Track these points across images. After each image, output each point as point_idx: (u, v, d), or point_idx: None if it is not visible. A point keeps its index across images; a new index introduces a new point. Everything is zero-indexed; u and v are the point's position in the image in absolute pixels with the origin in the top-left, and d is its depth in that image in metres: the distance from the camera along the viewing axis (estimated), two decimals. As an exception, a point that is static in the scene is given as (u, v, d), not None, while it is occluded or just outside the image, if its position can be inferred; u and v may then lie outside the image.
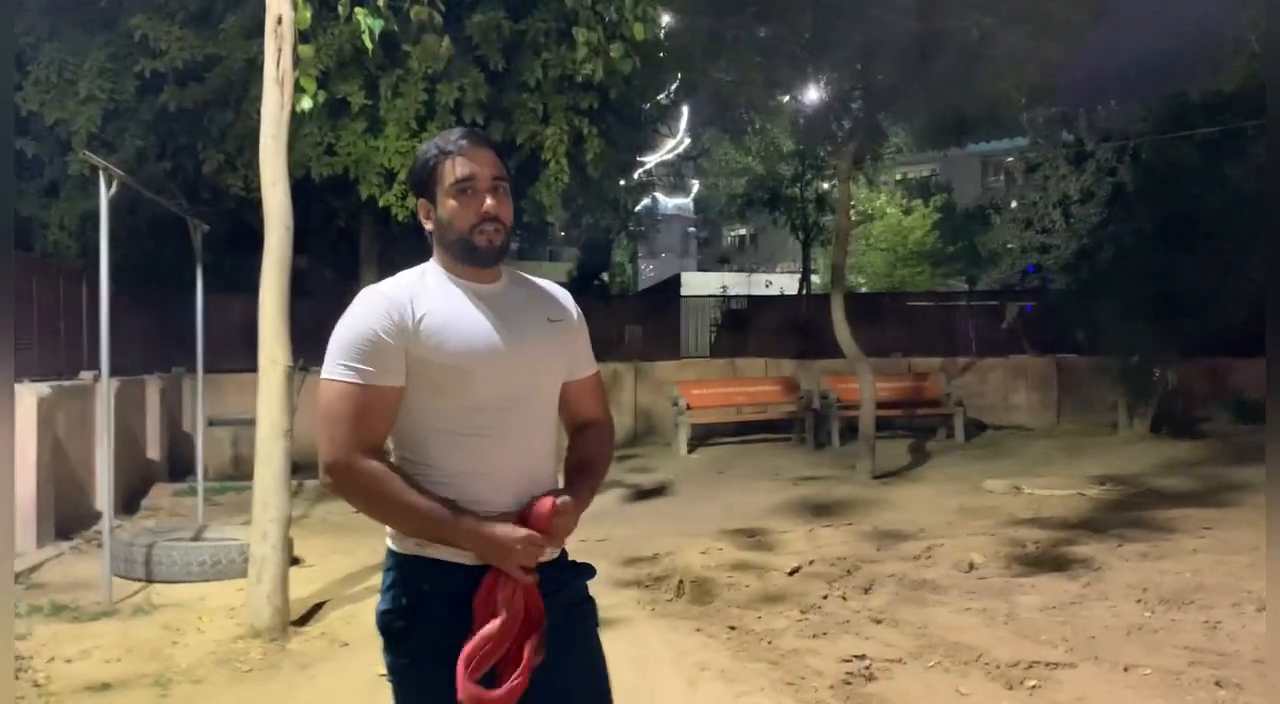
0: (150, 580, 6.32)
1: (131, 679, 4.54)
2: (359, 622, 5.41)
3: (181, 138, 11.30)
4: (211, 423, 9.62)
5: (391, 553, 1.87)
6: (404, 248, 14.76)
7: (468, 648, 1.73)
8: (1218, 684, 4.06)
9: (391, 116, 10.56)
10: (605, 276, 19.23)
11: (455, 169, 1.86)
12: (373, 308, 1.82)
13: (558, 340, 1.97)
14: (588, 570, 1.98)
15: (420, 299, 1.84)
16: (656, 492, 10.12)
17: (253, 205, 11.66)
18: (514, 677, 1.74)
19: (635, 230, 25.23)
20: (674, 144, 20.90)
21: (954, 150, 15.75)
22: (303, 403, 7.10)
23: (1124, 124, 14.78)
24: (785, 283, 30.41)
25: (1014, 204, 16.36)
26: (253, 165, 10.80)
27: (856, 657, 4.53)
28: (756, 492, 9.86)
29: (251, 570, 5.18)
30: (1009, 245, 15.84)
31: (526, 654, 1.75)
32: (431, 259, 1.95)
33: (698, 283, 28.30)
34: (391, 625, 1.84)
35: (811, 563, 6.41)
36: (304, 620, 5.47)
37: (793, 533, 7.41)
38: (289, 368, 5.27)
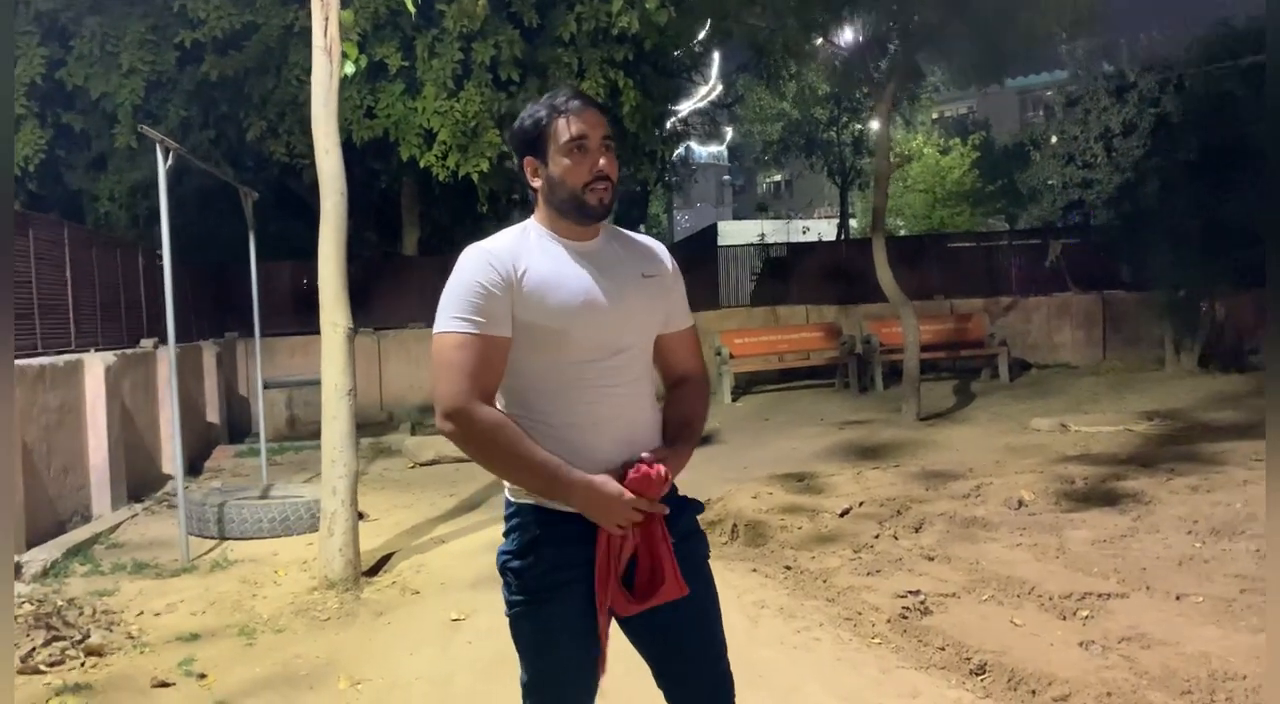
0: (223, 538, 6.59)
1: (218, 629, 4.78)
2: (428, 571, 5.64)
3: (223, 107, 11.50)
4: (268, 385, 9.88)
5: (510, 502, 2.01)
6: (445, 207, 14.95)
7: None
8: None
9: (429, 77, 10.67)
10: (642, 229, 19.21)
11: (569, 127, 1.93)
12: (480, 263, 1.92)
13: (652, 295, 2.05)
14: (696, 506, 2.09)
15: (522, 256, 1.94)
16: (704, 440, 10.27)
17: (296, 171, 11.90)
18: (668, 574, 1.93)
19: (670, 180, 25.12)
20: (707, 92, 20.73)
21: (992, 87, 15.45)
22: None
23: (1167, 54, 14.43)
24: (823, 228, 30.23)
25: (1054, 139, 16.08)
26: (295, 132, 11.07)
27: (911, 592, 4.66)
28: (803, 437, 9.97)
29: (323, 525, 5.40)
30: (1050, 182, 15.62)
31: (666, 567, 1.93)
32: (532, 217, 2.04)
33: (735, 231, 28.22)
34: (509, 566, 1.98)
35: (861, 504, 6.52)
36: (374, 571, 5.70)
37: (841, 476, 7.52)
38: (349, 330, 5.44)
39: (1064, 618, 4.27)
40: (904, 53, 10.59)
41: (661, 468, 1.90)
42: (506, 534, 2.01)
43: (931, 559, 5.26)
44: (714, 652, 2.09)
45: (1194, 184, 12.75)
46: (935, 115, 30.05)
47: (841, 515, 6.29)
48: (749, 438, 10.38)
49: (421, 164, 11.11)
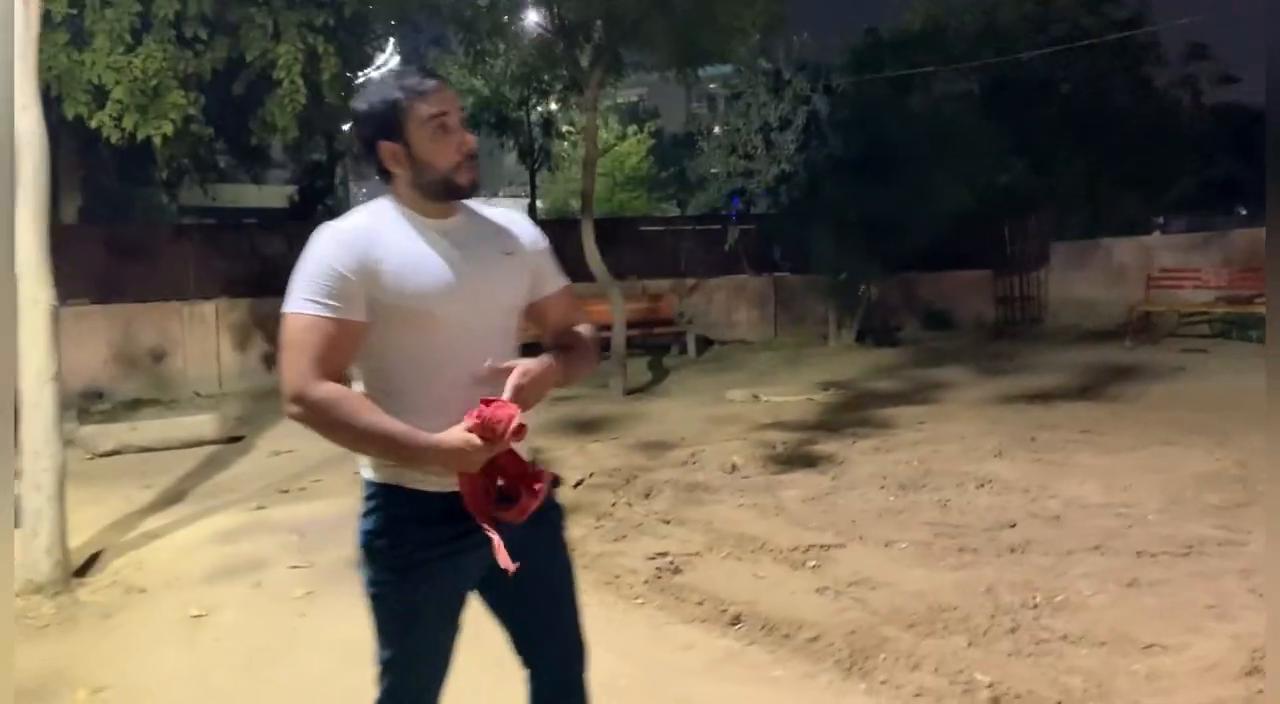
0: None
1: (-97, 649, 4.18)
2: (149, 568, 5.22)
3: None
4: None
5: (369, 482, 2.00)
6: (112, 172, 13.55)
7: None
8: (960, 550, 4.84)
9: (101, 28, 9.62)
10: (329, 202, 18.42)
11: (430, 108, 1.91)
12: (335, 245, 1.89)
13: (513, 274, 2.06)
14: (554, 480, 2.14)
15: (378, 239, 1.92)
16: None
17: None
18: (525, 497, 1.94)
19: (352, 151, 24.20)
20: (393, 62, 20.18)
21: (659, 76, 16.20)
22: None
23: (820, 57, 15.86)
24: (509, 207, 30.45)
25: (718, 130, 17.23)
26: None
27: (659, 554, 4.96)
28: (515, 414, 10.11)
29: (26, 523, 4.84)
30: (714, 171, 16.72)
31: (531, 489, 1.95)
32: (387, 198, 2.00)
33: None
34: (373, 545, 1.98)
35: (592, 475, 6.78)
36: (83, 572, 5.19)
37: (566, 449, 7.75)
38: (54, 306, 4.90)
39: (796, 568, 4.74)
40: (607, 41, 10.94)
41: (505, 410, 1.86)
42: (367, 514, 2.01)
43: (668, 523, 5.61)
44: (570, 621, 2.20)
45: (846, 178, 14.19)
46: (609, 102, 31.07)
47: (575, 486, 6.52)
48: (460, 416, 10.36)
49: (93, 123, 10.00)
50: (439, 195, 1.97)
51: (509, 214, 2.17)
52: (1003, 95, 17.56)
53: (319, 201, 18.00)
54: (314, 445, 8.76)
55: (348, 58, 11.74)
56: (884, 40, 17.68)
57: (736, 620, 4.07)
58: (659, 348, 14.57)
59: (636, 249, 16.74)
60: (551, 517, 2.15)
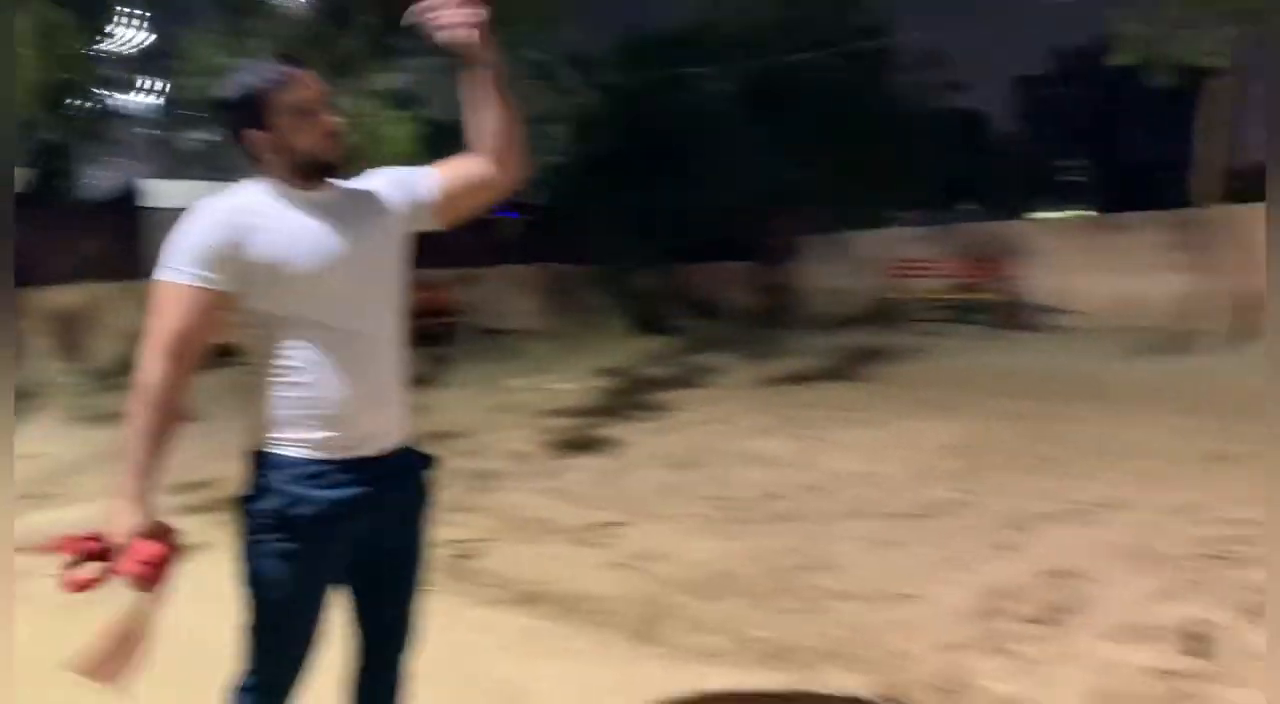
0: None
1: None
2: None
3: None
4: None
5: (257, 452, 2.06)
6: None
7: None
8: (736, 521, 5.22)
9: None
10: (66, 185, 16.90)
11: (291, 94, 1.96)
12: (209, 219, 1.94)
13: (390, 229, 2.12)
14: (427, 460, 2.26)
15: (255, 214, 1.96)
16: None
17: None
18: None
19: (87, 132, 22.35)
20: (138, 38, 18.92)
21: (420, 61, 15.96)
22: None
23: (587, 49, 16.15)
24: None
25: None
26: None
27: (453, 541, 5.02)
28: (288, 408, 9.80)
29: None
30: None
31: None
32: (259, 176, 2.04)
33: (167, 192, 25.95)
34: (246, 505, 2.05)
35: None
36: None
37: (347, 443, 7.63)
38: None
39: (586, 547, 4.95)
40: (376, 24, 10.74)
41: (153, 551, 1.91)
42: (252, 482, 2.05)
43: (460, 510, 5.67)
44: (406, 605, 2.31)
45: (617, 172, 14.62)
46: (374, 87, 30.30)
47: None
48: (230, 409, 9.93)
49: None
50: (308, 174, 2.03)
51: (372, 176, 2.21)
52: (761, 97, 18.50)
53: (56, 184, 16.54)
54: (66, 447, 8.21)
55: (90, 32, 10.97)
56: (650, 39, 18.23)
57: (532, 600, 4.22)
58: (436, 338, 14.43)
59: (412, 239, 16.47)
60: (419, 498, 2.26)
